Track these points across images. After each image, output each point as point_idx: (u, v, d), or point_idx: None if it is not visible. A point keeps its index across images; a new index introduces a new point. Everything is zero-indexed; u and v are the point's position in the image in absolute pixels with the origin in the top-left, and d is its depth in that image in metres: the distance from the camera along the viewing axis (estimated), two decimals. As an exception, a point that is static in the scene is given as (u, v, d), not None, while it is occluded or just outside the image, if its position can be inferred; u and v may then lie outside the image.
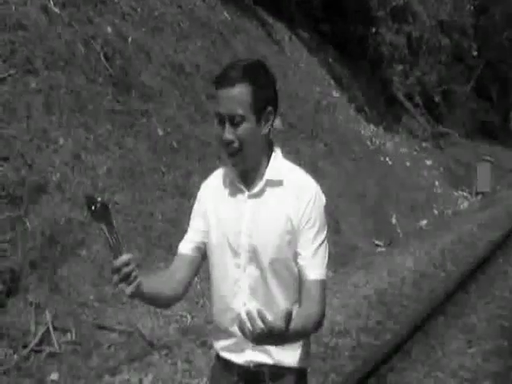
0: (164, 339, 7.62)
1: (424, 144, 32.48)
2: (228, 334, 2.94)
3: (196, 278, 9.01)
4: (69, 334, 6.89)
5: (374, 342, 8.58)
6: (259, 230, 2.84)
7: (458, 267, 13.71)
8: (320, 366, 7.48)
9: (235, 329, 2.83)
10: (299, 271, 2.85)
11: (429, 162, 29.48)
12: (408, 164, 25.81)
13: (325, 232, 2.88)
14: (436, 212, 23.41)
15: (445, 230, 19.64)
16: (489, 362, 8.13)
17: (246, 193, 2.88)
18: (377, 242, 16.06)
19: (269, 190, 2.86)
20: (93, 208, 2.52)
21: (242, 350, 2.90)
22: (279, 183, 2.86)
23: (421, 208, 22.28)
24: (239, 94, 2.73)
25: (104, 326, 7.27)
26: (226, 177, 2.97)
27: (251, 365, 2.91)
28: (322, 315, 2.83)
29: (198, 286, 8.64)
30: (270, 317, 2.31)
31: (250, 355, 2.90)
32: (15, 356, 6.32)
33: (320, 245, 2.85)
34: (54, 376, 6.32)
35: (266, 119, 2.82)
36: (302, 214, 2.82)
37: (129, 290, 2.55)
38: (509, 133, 56.76)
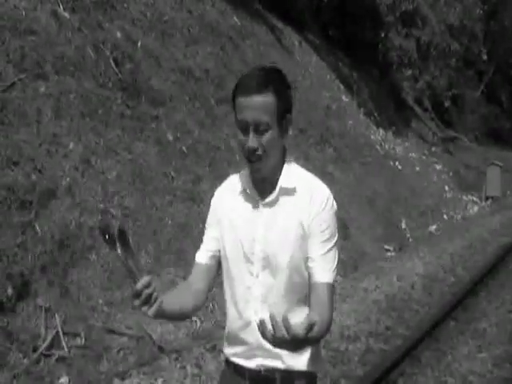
0: (174, 344, 7.62)
1: (433, 149, 32.43)
2: (239, 341, 2.96)
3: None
4: (78, 338, 6.89)
5: (383, 347, 8.57)
6: (273, 239, 2.85)
7: (468, 272, 13.68)
8: (330, 371, 7.47)
9: (246, 336, 2.90)
10: (309, 274, 2.87)
11: (438, 167, 29.44)
12: (417, 169, 25.78)
13: (335, 237, 2.89)
14: (446, 217, 23.36)
15: (455, 235, 19.60)
16: (499, 367, 8.10)
17: (260, 201, 2.90)
18: (386, 247, 16.03)
19: (282, 198, 2.88)
20: (107, 236, 2.52)
21: (253, 357, 2.92)
22: (293, 191, 2.87)
23: (430, 213, 22.24)
24: (265, 102, 2.71)
25: (114, 330, 7.28)
26: (238, 184, 2.98)
27: (262, 369, 2.91)
28: (331, 319, 2.83)
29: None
30: (293, 323, 2.30)
31: (261, 361, 2.91)
32: (25, 360, 6.33)
33: (330, 249, 2.86)
34: (64, 380, 6.33)
35: (285, 127, 2.85)
36: (313, 218, 2.83)
37: (151, 312, 2.55)
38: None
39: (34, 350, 6.47)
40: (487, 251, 16.67)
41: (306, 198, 2.85)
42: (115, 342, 7.19)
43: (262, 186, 2.90)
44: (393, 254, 15.82)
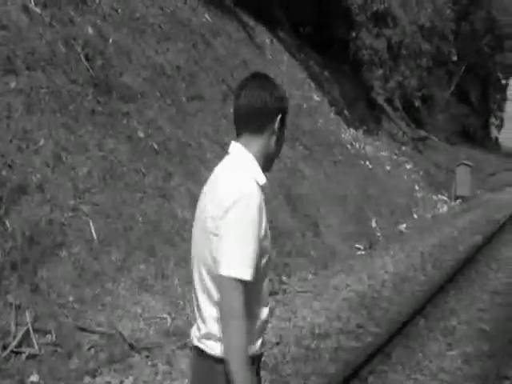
0: (145, 341, 7.60)
1: (404, 148, 32.61)
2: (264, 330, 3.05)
3: (176, 280, 8.97)
4: (49, 336, 6.85)
5: (354, 345, 8.59)
6: None
7: (438, 270, 13.76)
8: (301, 368, 7.49)
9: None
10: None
11: (409, 166, 29.60)
12: (388, 168, 25.90)
13: (243, 234, 2.76)
14: (416, 216, 23.49)
15: (425, 234, 19.72)
16: (468, 364, 8.15)
17: None
18: (357, 246, 16.09)
19: None
20: None
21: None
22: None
23: (400, 211, 22.35)
24: None
25: (84, 327, 7.23)
26: (261, 186, 2.98)
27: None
28: (230, 316, 2.74)
29: (179, 288, 8.62)
30: None
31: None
32: (-5, 357, 6.28)
33: (234, 244, 2.74)
34: (34, 377, 6.28)
35: None
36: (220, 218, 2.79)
37: None
38: (489, 137, 57.26)
39: (4, 348, 6.42)
40: (457, 250, 16.77)
41: (218, 194, 2.91)
42: (86, 339, 7.15)
43: None
44: (363, 252, 15.88)
